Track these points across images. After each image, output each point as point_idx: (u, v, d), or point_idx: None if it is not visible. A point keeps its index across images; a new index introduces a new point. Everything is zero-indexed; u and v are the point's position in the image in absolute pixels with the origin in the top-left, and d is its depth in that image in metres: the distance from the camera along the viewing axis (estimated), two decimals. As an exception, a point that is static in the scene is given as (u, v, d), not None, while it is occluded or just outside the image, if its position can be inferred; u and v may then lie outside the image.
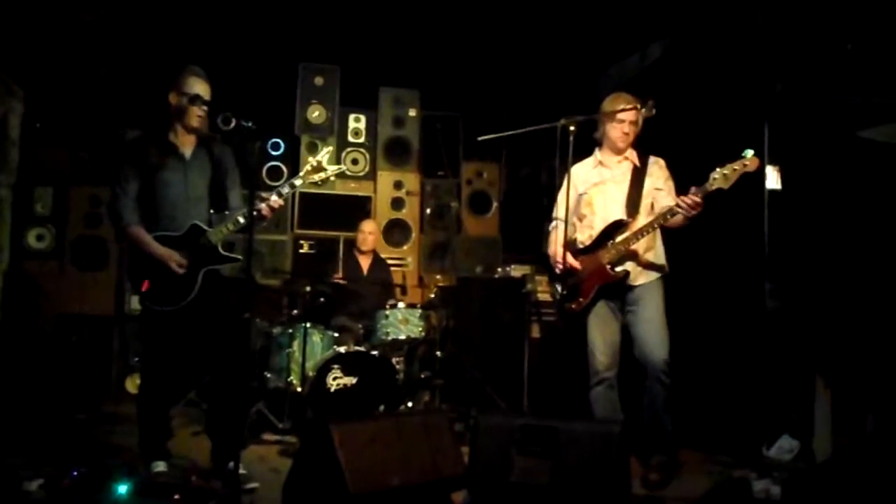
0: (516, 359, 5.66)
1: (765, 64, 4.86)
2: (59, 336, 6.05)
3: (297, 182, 3.91)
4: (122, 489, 3.31)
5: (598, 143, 4.30)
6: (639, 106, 4.08)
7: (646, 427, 4.07)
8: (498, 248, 7.05)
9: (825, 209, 4.53)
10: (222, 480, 3.65)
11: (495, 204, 7.18)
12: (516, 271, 6.22)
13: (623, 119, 4.11)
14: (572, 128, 3.84)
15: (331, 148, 4.06)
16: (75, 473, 3.43)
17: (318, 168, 3.94)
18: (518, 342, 5.69)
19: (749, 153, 3.72)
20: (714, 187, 3.76)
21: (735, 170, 3.72)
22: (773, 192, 4.86)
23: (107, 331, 6.19)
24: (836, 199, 4.47)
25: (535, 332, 5.63)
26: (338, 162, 6.93)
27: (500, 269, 6.56)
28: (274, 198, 3.82)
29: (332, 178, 6.59)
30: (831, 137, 4.49)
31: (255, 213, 3.69)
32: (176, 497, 3.44)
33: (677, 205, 3.84)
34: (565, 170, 4.00)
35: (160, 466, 3.87)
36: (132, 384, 6.00)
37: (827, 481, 3.79)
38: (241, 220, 3.78)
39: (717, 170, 3.75)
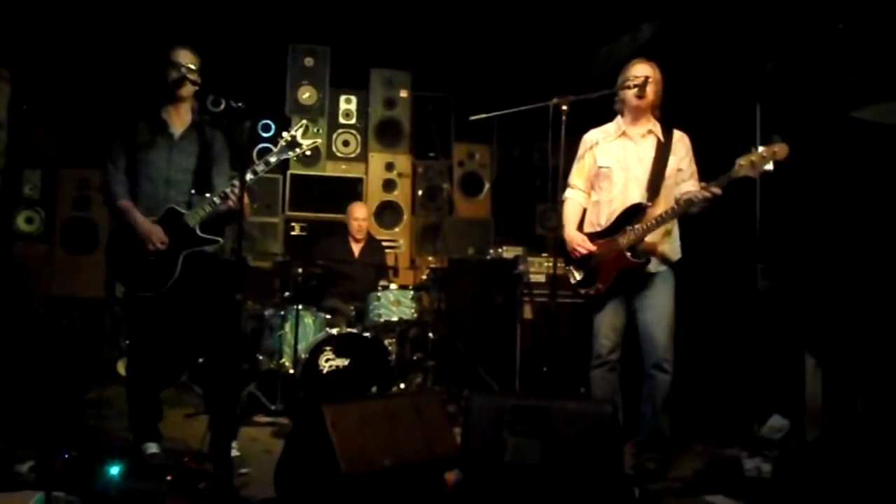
0: (508, 340, 5.65)
1: (756, 44, 4.84)
2: (50, 319, 6.03)
3: (272, 159, 3.86)
4: (114, 470, 3.30)
5: (620, 114, 4.10)
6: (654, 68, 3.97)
7: (644, 420, 3.97)
8: (490, 230, 7.05)
9: (817, 189, 4.53)
10: (214, 463, 3.66)
11: (487, 185, 7.18)
12: (508, 252, 6.19)
13: (638, 78, 3.91)
14: (564, 107, 3.79)
15: (304, 122, 3.98)
16: (66, 455, 3.42)
17: (293, 143, 3.91)
18: (510, 323, 5.68)
19: (776, 138, 3.56)
20: (740, 174, 3.63)
21: (763, 156, 3.56)
22: (764, 172, 4.85)
23: (97, 313, 6.16)
24: (828, 179, 4.46)
25: (527, 313, 5.61)
26: (329, 143, 6.91)
27: (491, 251, 6.55)
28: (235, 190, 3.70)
29: (324, 160, 6.80)
30: (823, 117, 4.48)
31: (223, 201, 3.71)
32: (168, 478, 3.44)
33: (694, 197, 3.73)
34: (558, 150, 3.88)
35: (152, 448, 3.89)
36: (123, 367, 5.97)
37: (817, 459, 3.82)
38: (217, 200, 3.76)
39: (744, 156, 3.59)
